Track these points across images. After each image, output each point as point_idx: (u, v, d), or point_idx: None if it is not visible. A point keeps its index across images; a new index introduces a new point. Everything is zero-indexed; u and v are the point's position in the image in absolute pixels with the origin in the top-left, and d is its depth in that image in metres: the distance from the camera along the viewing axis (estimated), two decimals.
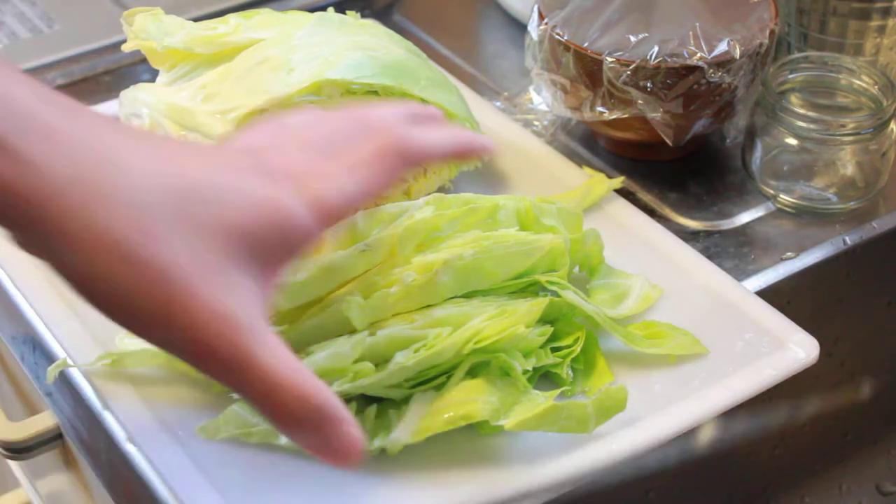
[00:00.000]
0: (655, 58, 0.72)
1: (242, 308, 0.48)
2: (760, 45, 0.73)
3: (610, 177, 0.76)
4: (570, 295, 0.62)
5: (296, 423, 0.49)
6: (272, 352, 0.48)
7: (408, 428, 0.57)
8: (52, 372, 0.62)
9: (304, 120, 0.56)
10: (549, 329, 0.61)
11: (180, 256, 0.46)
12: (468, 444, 0.59)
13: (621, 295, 0.66)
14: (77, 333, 0.65)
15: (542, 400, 0.58)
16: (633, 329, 0.64)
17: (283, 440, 0.58)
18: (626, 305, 0.65)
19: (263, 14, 0.72)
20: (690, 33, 0.73)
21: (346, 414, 0.49)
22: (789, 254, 0.73)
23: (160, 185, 0.47)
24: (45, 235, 0.46)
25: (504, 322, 0.58)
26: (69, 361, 0.63)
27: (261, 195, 0.49)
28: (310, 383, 0.49)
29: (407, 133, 0.56)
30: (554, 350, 0.61)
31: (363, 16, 0.77)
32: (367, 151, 0.54)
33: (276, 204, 0.49)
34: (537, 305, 0.60)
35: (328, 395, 0.49)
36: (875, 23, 0.79)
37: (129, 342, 0.63)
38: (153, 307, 0.46)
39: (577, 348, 0.62)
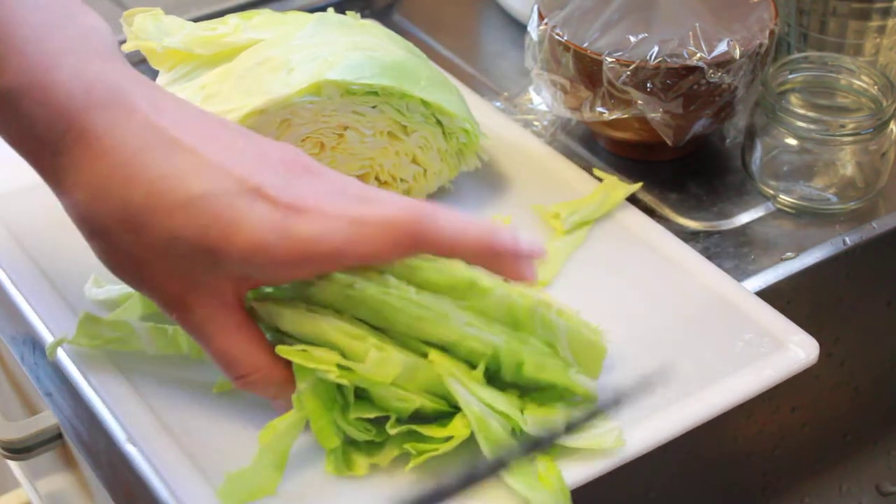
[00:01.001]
0: (655, 58, 0.72)
1: None
2: (760, 45, 0.73)
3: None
4: (466, 397, 0.56)
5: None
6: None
7: None
8: (51, 348, 0.63)
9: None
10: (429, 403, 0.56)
11: None
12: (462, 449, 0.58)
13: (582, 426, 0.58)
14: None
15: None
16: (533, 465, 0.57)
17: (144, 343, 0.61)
18: (576, 437, 0.58)
19: (263, 15, 0.72)
20: (690, 33, 0.73)
21: None
22: (789, 254, 0.73)
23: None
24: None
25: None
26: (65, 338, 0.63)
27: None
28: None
29: (434, 215, 0.54)
30: (422, 436, 0.56)
31: (363, 16, 0.77)
32: (381, 215, 0.53)
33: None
34: (386, 365, 0.54)
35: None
36: (875, 23, 0.79)
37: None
38: None
39: (445, 448, 0.56)
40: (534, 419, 0.57)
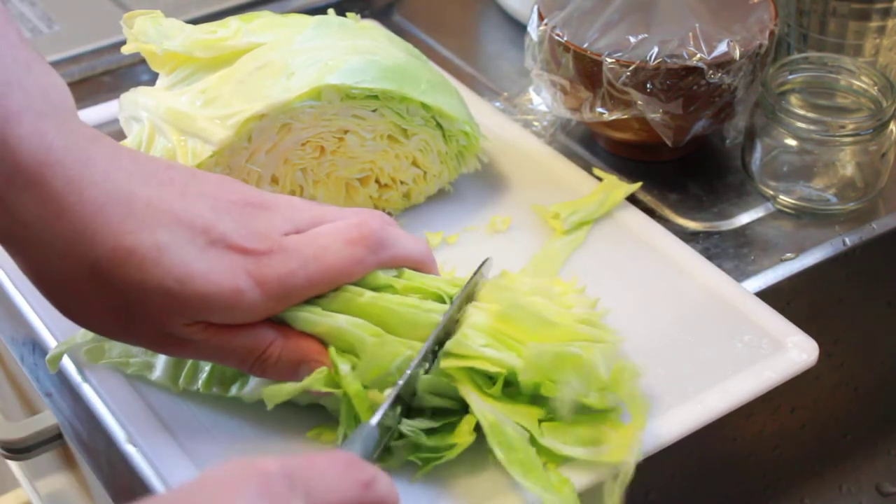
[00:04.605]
0: (655, 59, 0.72)
1: None
2: (760, 45, 0.73)
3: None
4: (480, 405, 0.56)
5: None
6: None
7: None
8: (52, 361, 0.63)
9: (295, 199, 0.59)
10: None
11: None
12: (467, 456, 0.58)
13: (596, 439, 0.57)
14: (77, 334, 0.65)
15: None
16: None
17: (157, 375, 0.61)
18: (589, 451, 0.57)
19: (263, 18, 0.72)
20: (690, 34, 0.73)
21: None
22: (789, 255, 0.73)
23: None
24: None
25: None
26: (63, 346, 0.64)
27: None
28: None
29: (385, 229, 0.58)
30: (426, 447, 0.57)
31: (363, 17, 0.77)
32: (339, 240, 0.57)
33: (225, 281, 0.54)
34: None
35: None
36: (875, 24, 0.79)
37: None
38: None
39: (449, 455, 0.57)
40: (550, 428, 0.57)
